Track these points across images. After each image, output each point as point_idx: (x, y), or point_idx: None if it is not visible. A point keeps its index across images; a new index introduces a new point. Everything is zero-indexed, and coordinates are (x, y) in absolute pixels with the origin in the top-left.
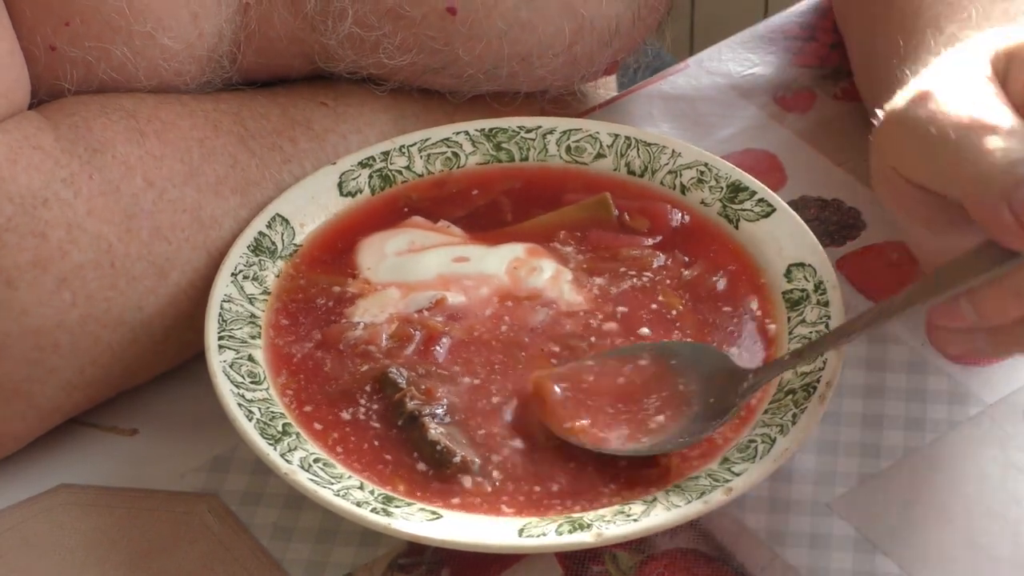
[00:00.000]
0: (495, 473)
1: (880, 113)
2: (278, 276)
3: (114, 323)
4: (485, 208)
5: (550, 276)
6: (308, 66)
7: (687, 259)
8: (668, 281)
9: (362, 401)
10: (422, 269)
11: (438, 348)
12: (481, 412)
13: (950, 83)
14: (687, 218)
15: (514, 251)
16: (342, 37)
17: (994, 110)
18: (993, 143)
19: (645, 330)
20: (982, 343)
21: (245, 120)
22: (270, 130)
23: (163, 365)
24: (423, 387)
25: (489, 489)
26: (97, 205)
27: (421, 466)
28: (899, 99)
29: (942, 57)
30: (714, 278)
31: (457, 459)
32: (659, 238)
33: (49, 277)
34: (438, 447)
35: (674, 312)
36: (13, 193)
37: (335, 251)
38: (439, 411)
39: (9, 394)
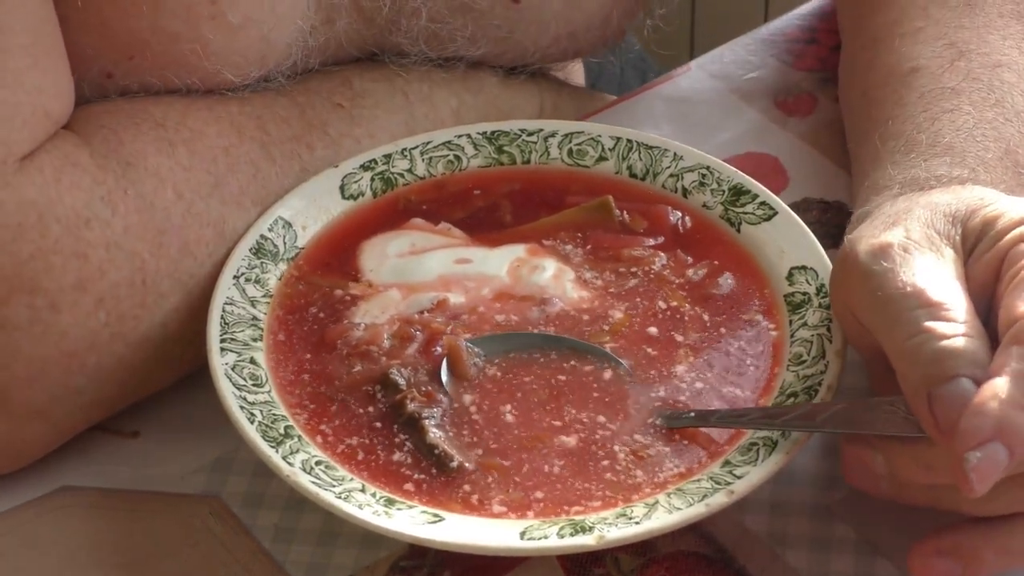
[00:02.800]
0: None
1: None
2: (280, 279)
3: (139, 341)
4: (486, 210)
5: (552, 274)
6: (365, 57)
7: (689, 260)
8: (671, 281)
9: (363, 402)
10: (424, 270)
11: (439, 348)
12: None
13: (913, 241)
14: (687, 218)
15: (515, 251)
16: (415, 34)
17: (945, 288)
18: (930, 325)
19: (653, 330)
20: (886, 487)
21: (267, 124)
22: (289, 136)
23: (177, 376)
24: (424, 389)
25: (490, 491)
26: (133, 222)
27: (422, 468)
28: (863, 242)
29: (919, 202)
30: (716, 281)
31: (454, 464)
32: (661, 239)
33: (89, 298)
34: (436, 451)
35: (678, 311)
36: (60, 214)
37: (337, 253)
38: (438, 413)
39: (32, 416)
